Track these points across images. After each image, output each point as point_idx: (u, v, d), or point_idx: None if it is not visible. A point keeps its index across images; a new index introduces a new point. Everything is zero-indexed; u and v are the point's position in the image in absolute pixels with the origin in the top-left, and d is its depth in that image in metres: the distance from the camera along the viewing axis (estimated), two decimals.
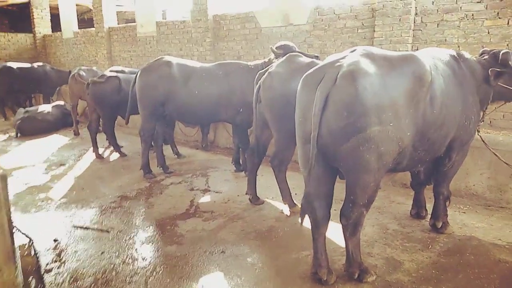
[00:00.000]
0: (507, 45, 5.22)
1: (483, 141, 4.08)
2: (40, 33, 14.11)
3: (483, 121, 3.97)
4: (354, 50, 2.92)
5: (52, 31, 14.29)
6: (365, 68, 2.68)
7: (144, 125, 5.63)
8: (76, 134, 8.91)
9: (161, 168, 6.02)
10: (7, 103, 11.41)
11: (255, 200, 4.76)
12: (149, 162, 5.84)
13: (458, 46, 5.60)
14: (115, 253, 3.69)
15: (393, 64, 2.79)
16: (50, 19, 14.34)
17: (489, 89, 3.69)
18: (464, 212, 4.45)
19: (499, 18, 5.23)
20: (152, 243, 3.86)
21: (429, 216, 4.11)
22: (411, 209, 4.35)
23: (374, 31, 6.22)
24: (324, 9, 6.89)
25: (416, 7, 5.87)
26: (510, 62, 3.60)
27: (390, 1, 5.92)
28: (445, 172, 3.73)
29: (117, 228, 4.20)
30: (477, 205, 4.63)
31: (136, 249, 3.74)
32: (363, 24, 6.47)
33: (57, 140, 8.52)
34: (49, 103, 10.95)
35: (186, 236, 3.99)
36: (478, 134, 4.00)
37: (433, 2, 5.72)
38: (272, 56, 5.21)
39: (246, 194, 4.84)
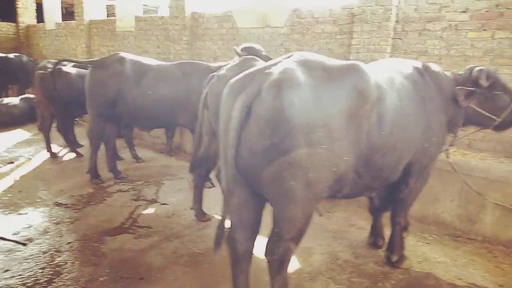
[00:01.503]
0: (491, 60, 4.77)
1: (453, 167, 3.65)
2: (23, 23, 13.67)
3: (452, 145, 3.53)
4: (290, 56, 2.46)
5: (38, 22, 13.86)
6: (296, 78, 2.21)
7: (92, 126, 5.16)
8: (40, 129, 8.44)
9: (111, 173, 5.55)
10: None
11: (201, 216, 4.30)
12: (97, 165, 5.37)
13: (440, 59, 5.15)
14: (20, 272, 3.22)
15: (331, 75, 2.32)
16: (36, 9, 13.91)
17: (460, 109, 3.26)
18: (428, 243, 3.98)
19: (484, 30, 4.77)
20: (66, 263, 3.38)
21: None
22: (368, 237, 3.88)
23: (352, 37, 5.77)
24: (302, 12, 6.44)
25: (397, 14, 5.42)
26: (481, 81, 3.16)
27: (370, 6, 5.47)
28: (402, 200, 3.26)
29: (36, 241, 3.73)
30: (444, 235, 4.16)
31: (44, 269, 3.26)
32: (341, 30, 6.02)
33: (18, 135, 8.05)
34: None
35: (109, 257, 3.51)
36: (448, 160, 3.56)
37: (415, 9, 5.27)
38: (236, 58, 4.76)
39: (191, 209, 4.37)
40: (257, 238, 2.61)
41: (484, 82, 3.19)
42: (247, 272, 2.63)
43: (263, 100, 2.19)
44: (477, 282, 3.32)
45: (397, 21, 5.43)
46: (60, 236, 3.84)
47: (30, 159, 6.43)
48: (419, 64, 3.15)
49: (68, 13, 15.65)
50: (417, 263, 3.58)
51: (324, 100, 2.22)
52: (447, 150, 3.53)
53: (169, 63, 5.34)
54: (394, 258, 3.44)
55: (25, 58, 11.08)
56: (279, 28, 6.77)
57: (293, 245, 2.47)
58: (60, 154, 6.73)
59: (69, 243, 3.73)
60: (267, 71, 2.31)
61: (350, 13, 5.85)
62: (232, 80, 2.44)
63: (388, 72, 2.83)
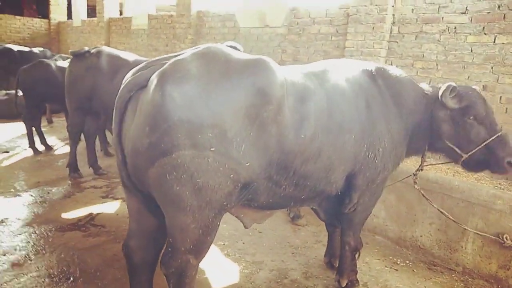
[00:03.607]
0: (492, 67, 4.25)
1: (423, 195, 3.22)
2: (55, 19, 14.27)
3: (420, 170, 3.10)
4: (199, 47, 2.23)
5: (68, 19, 14.41)
6: (184, 70, 1.97)
7: (71, 120, 5.16)
8: (49, 122, 8.71)
9: (91, 168, 5.51)
10: (2, 84, 11.46)
11: None
12: (76, 160, 5.35)
13: (437, 64, 4.68)
14: None
15: (230, 70, 2.05)
16: (67, 6, 14.46)
17: (424, 127, 2.85)
18: (397, 270, 3.56)
19: (485, 34, 4.27)
20: (5, 255, 3.32)
21: None
22: (324, 256, 3.53)
23: (346, 39, 5.40)
24: (300, 11, 6.14)
25: (393, 15, 5.00)
26: (443, 99, 2.69)
27: (364, 6, 5.10)
28: (348, 216, 2.90)
29: None
30: (420, 262, 3.71)
31: None
32: (337, 31, 5.66)
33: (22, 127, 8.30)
34: None
35: (47, 253, 3.40)
36: (415, 185, 3.14)
37: (412, 10, 4.83)
38: None
39: None
40: (158, 248, 2.38)
41: (448, 102, 2.69)
42: (147, 284, 2.42)
43: (145, 94, 2.00)
44: None
45: (393, 23, 5.01)
46: (11, 230, 3.79)
47: (25, 149, 6.56)
48: (372, 67, 2.79)
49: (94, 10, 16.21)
50: None
51: (215, 97, 1.96)
52: (414, 175, 3.13)
53: (147, 59, 5.21)
54: (344, 282, 3.07)
55: (48, 52, 11.46)
56: (277, 28, 6.51)
57: (193, 258, 2.21)
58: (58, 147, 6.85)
59: (15, 236, 3.67)
60: (163, 62, 2.11)
61: (346, 13, 5.48)
62: (132, 71, 2.24)
63: (323, 73, 2.53)
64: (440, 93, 2.71)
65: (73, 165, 5.32)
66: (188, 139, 1.91)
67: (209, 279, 3.20)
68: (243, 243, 3.86)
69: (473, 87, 2.96)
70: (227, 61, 2.09)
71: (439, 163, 3.16)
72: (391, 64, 5.06)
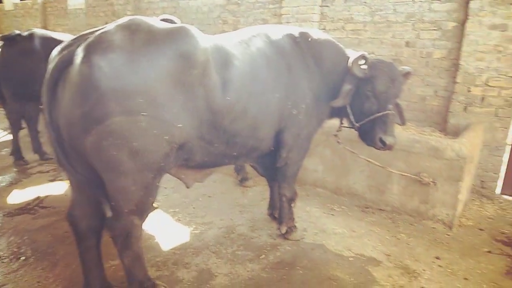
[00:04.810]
0: (413, 25, 4.59)
1: (349, 150, 3.53)
2: None
3: (339, 130, 3.37)
4: (122, 20, 2.32)
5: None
6: (108, 41, 2.07)
7: (9, 107, 5.03)
8: None
9: (37, 154, 5.44)
10: None
11: None
12: (19, 147, 5.26)
13: (364, 26, 4.97)
14: None
15: (153, 39, 2.17)
16: None
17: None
18: (333, 215, 3.92)
19: None
20: None
21: None
22: (267, 209, 3.82)
23: (282, 7, 5.57)
24: None
25: None
26: (351, 66, 2.81)
27: None
28: (281, 170, 3.17)
29: None
30: (354, 206, 4.10)
31: None
32: None
33: None
34: None
35: None
36: (340, 145, 3.43)
37: None
38: None
39: None
40: (102, 214, 2.52)
41: (354, 69, 2.81)
42: (94, 249, 2.56)
43: (73, 66, 2.07)
44: (365, 252, 3.27)
45: None
46: None
47: None
48: (295, 31, 2.99)
49: None
50: (312, 234, 3.53)
51: (142, 65, 2.09)
52: (335, 135, 3.42)
53: None
54: (283, 229, 3.38)
55: None
56: None
57: (136, 219, 2.37)
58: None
59: None
60: (87, 36, 2.18)
61: None
62: (58, 47, 2.30)
63: (249, 39, 2.71)
64: (350, 60, 2.85)
65: (16, 153, 5.23)
66: (119, 106, 2.03)
67: (160, 243, 3.38)
68: (194, 208, 4.07)
69: (404, 67, 3.04)
70: (150, 30, 2.21)
71: (348, 127, 3.29)
72: (324, 28, 5.31)
